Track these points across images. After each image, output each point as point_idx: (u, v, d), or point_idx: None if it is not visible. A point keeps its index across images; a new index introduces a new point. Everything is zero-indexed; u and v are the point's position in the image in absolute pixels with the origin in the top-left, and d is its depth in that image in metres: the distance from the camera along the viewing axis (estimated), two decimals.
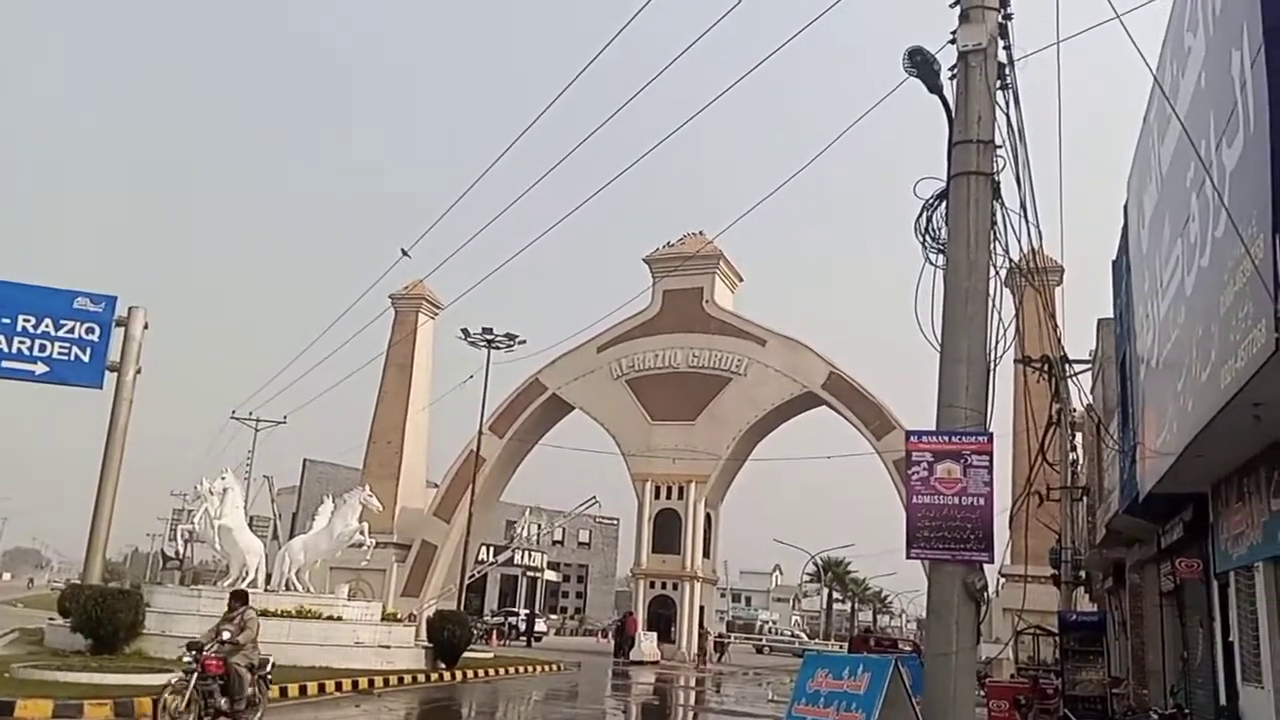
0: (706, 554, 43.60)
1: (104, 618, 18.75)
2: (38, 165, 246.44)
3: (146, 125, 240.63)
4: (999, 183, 8.15)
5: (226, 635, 11.59)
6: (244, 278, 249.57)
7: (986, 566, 7.60)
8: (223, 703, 11.30)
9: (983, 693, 17.53)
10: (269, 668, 12.36)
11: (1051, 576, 21.63)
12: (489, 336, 37.25)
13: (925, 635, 7.83)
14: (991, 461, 7.28)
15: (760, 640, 66.14)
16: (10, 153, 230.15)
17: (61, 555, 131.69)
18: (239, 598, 12.68)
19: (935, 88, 7.92)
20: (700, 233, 42.98)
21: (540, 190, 15.15)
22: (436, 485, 47.13)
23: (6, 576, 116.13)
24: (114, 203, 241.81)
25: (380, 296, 45.90)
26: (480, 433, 39.94)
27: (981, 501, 7.15)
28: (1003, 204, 8.24)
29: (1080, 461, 23.23)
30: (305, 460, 70.00)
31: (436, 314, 48.01)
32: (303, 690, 17.26)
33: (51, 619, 23.90)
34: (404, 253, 21.14)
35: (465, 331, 37.66)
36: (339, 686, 18.53)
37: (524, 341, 38.20)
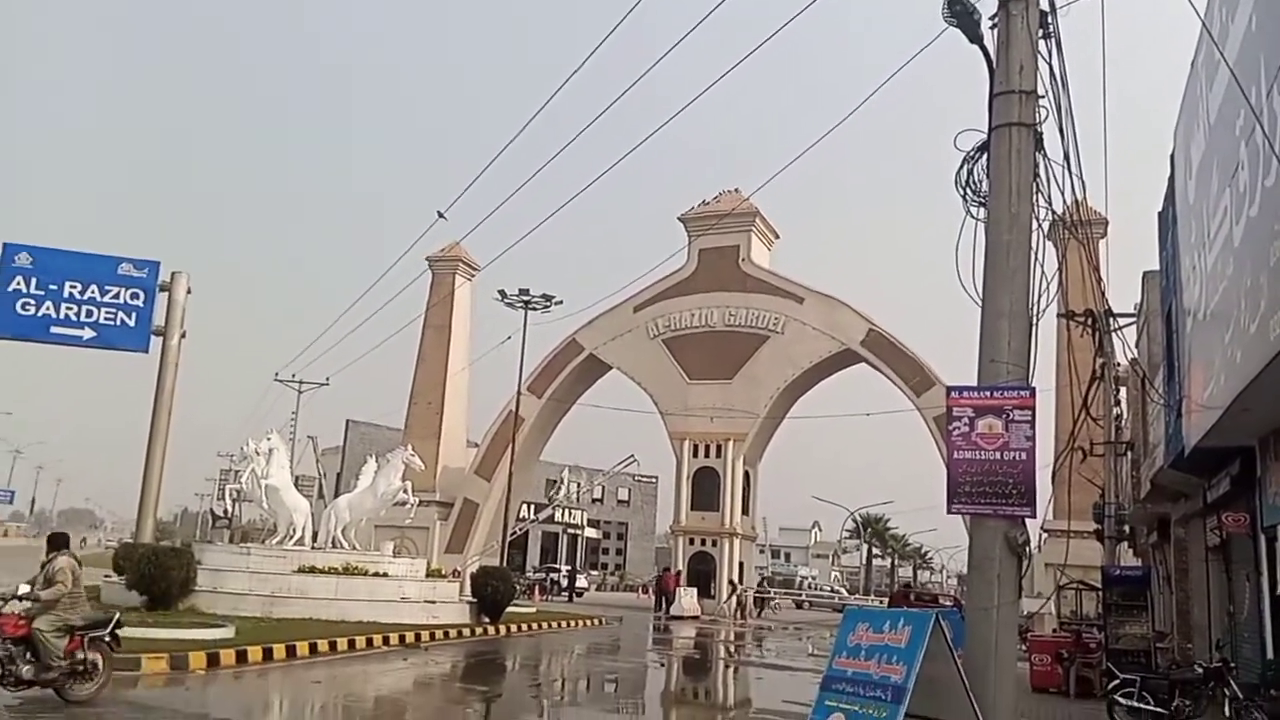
0: (745, 511, 43.81)
1: (157, 575, 19.25)
2: (65, 132, 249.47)
3: (185, 91, 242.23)
4: (1042, 134, 7.98)
5: (24, 590, 10.07)
6: (287, 244, 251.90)
7: (1028, 521, 7.57)
8: (25, 671, 9.73)
9: (1024, 647, 17.56)
10: (110, 627, 10.63)
11: (1095, 532, 21.49)
12: (526, 297, 37.41)
13: (966, 590, 7.83)
14: (1034, 416, 7.21)
15: (800, 595, 66.43)
16: (40, 122, 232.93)
17: (114, 515, 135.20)
18: (54, 543, 10.95)
19: (975, 37, 7.76)
20: (736, 190, 42.65)
21: (575, 150, 15.10)
22: (477, 445, 47.64)
23: (85, 538, 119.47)
24: (156, 170, 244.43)
25: (417, 260, 46.21)
26: (519, 393, 40.26)
27: (1024, 456, 7.10)
28: (1045, 155, 8.08)
29: (1124, 416, 22.96)
30: (348, 421, 71.10)
31: (473, 276, 48.24)
32: (351, 644, 17.67)
33: (107, 576, 24.55)
34: (440, 215, 21.22)
35: (502, 293, 37.87)
36: (386, 640, 18.94)
37: (560, 302, 38.37)
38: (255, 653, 14.97)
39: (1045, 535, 31.90)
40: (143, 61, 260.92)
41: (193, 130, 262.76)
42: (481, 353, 48.30)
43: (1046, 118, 7.95)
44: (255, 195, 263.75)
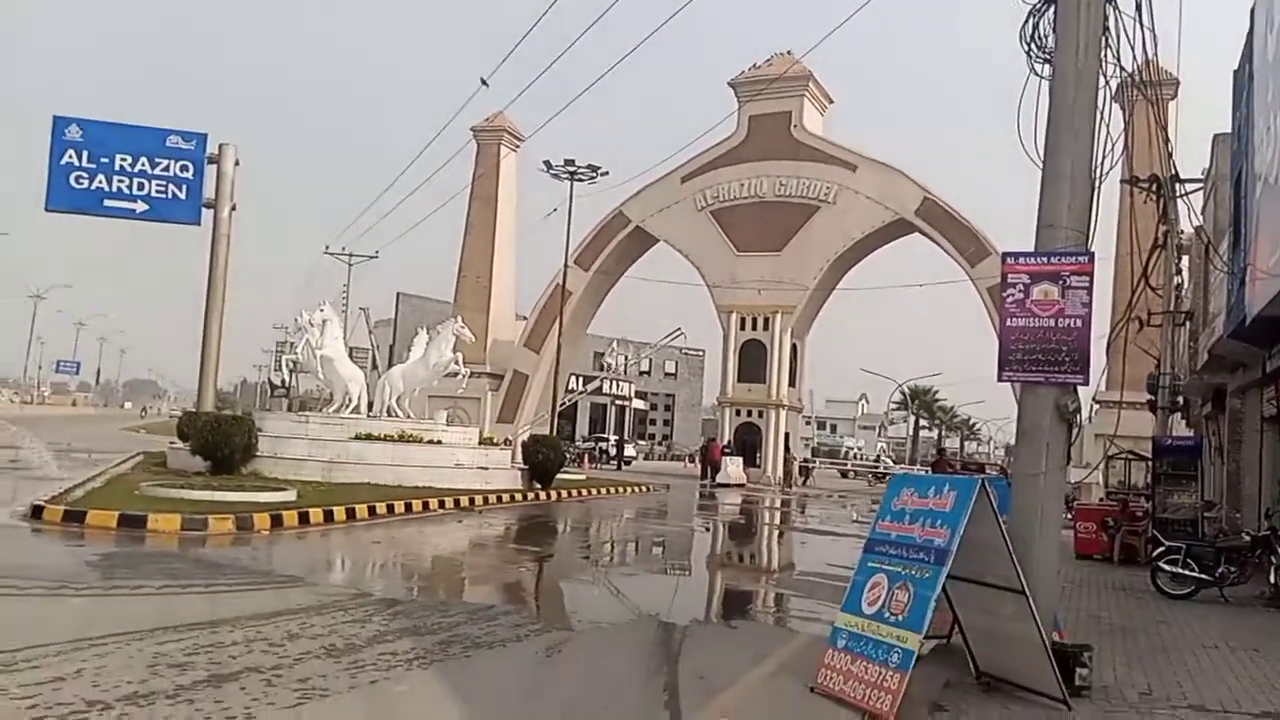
0: (792, 383, 43.91)
1: (220, 441, 19.94)
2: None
3: None
4: None
5: None
6: (333, 117, 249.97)
7: (1080, 392, 7.48)
8: None
9: (1070, 515, 17.67)
10: None
11: (1148, 402, 21.25)
12: (571, 168, 36.95)
13: (1015, 456, 7.83)
14: (1091, 283, 7.04)
15: (845, 465, 67.20)
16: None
17: (177, 385, 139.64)
18: None
19: None
20: (788, 53, 41.11)
21: (619, 13, 14.61)
22: (525, 318, 48.00)
23: (128, 405, 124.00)
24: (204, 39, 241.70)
25: (462, 130, 45.62)
26: (565, 266, 40.23)
27: (1079, 323, 6.97)
28: (1116, 8, 7.64)
29: (1184, 286, 22.38)
30: (399, 294, 71.84)
31: (518, 146, 47.61)
32: (408, 507, 18.30)
33: (172, 443, 25.49)
34: (483, 82, 20.93)
35: (548, 163, 37.43)
36: (442, 504, 19.58)
37: (606, 173, 37.86)
38: (316, 514, 15.58)
39: (1096, 407, 31.64)
40: None
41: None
42: (529, 225, 48.23)
43: None
44: (300, 70, 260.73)
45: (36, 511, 13.51)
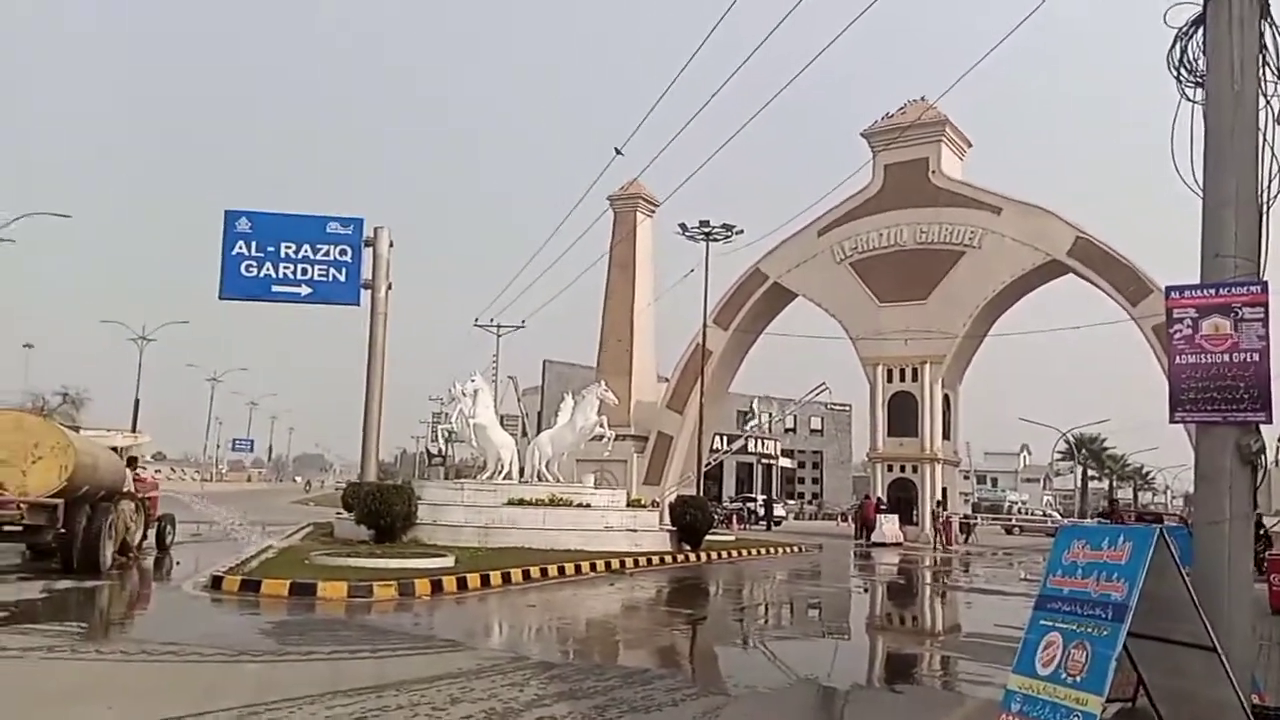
0: (946, 435, 42.48)
1: (382, 510, 20.72)
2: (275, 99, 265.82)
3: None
4: (1268, 0, 7.15)
5: None
6: (473, 195, 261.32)
7: (1265, 429, 6.96)
8: None
9: (1264, 567, 16.30)
10: None
11: None
12: (706, 229, 37.28)
13: (1195, 503, 7.31)
14: (1267, 313, 6.57)
15: (1010, 520, 64.18)
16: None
17: (342, 459, 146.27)
18: None
19: None
20: (922, 99, 40.57)
21: (751, 71, 14.78)
22: (667, 379, 48.32)
23: (298, 480, 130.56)
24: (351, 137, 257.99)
25: (598, 200, 46.81)
26: (705, 326, 40.40)
27: (1256, 357, 6.50)
28: (1272, 23, 7.23)
29: None
30: (545, 361, 73.65)
31: (653, 211, 48.46)
32: (561, 570, 18.50)
33: (338, 514, 26.68)
34: (617, 151, 21.40)
35: (683, 226, 37.91)
36: (593, 567, 19.71)
37: (741, 231, 38.01)
38: (474, 579, 15.93)
39: None
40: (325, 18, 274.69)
41: (370, 87, 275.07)
42: (666, 288, 48.81)
43: None
44: (440, 151, 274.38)
45: (216, 582, 14.32)
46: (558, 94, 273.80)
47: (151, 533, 19.66)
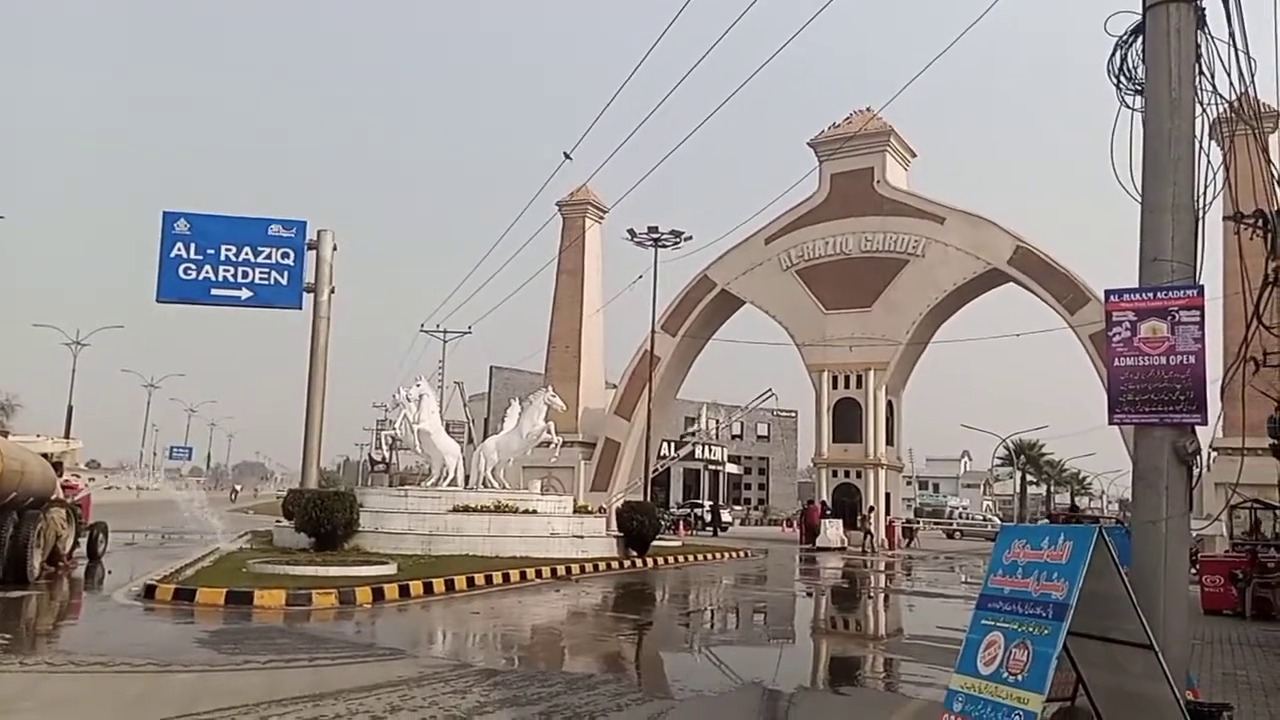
0: (890, 441, 42.97)
1: (323, 518, 20.36)
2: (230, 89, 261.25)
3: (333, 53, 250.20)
4: (1204, 10, 7.29)
5: None
6: (420, 198, 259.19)
7: (1200, 432, 7.08)
8: None
9: (1195, 568, 16.69)
10: None
11: (1270, 447, 20.07)
12: (655, 235, 37.40)
13: (1132, 504, 7.42)
14: (1202, 317, 6.69)
15: (951, 525, 65.10)
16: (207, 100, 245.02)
17: (283, 467, 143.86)
18: None
19: None
20: (867, 109, 41.15)
21: (696, 80, 14.80)
22: (615, 385, 48.26)
23: (238, 488, 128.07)
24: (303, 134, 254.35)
25: (546, 205, 46.68)
26: (653, 332, 40.46)
27: (1192, 360, 6.61)
28: (1209, 35, 7.39)
29: None
30: (491, 367, 73.27)
31: (602, 217, 48.42)
32: (505, 578, 18.31)
33: (278, 521, 26.12)
34: (566, 156, 21.28)
35: (631, 232, 37.99)
36: (539, 574, 19.55)
37: (690, 238, 38.21)
38: (417, 587, 15.69)
39: (1214, 454, 30.10)
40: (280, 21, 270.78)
41: (330, 90, 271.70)
42: (615, 294, 48.83)
43: None
44: (389, 154, 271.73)
45: (149, 591, 13.93)
46: (508, 98, 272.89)
47: (83, 541, 19.06)
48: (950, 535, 59.64)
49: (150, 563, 18.38)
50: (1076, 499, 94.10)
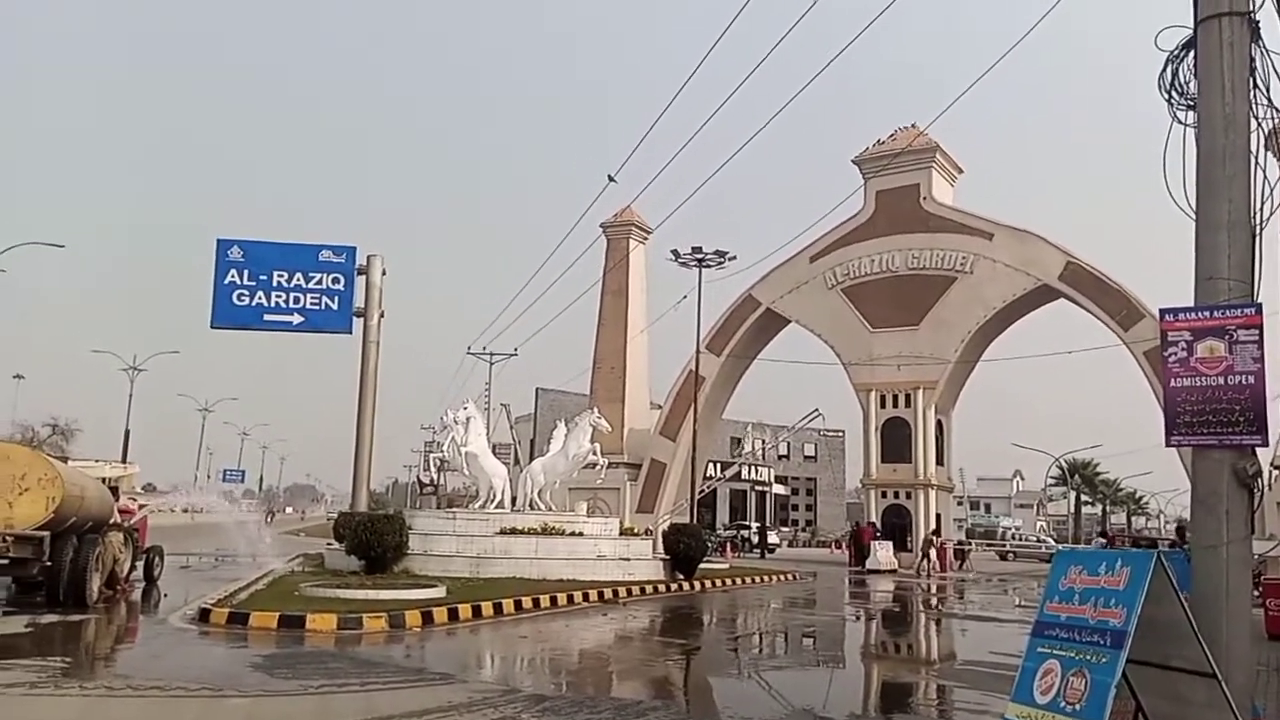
0: (940, 461, 42.39)
1: (373, 541, 20.51)
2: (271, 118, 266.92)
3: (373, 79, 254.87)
4: (1258, 23, 7.16)
5: None
6: (469, 222, 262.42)
7: (1261, 453, 6.90)
8: None
9: (1258, 592, 16.21)
10: None
11: None
12: (699, 255, 37.40)
13: (1192, 528, 7.25)
14: (1262, 335, 6.53)
15: (1004, 546, 63.98)
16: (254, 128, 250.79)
17: (333, 489, 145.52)
18: None
19: None
20: (913, 125, 40.85)
21: (742, 99, 14.83)
22: (660, 406, 48.21)
23: (289, 510, 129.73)
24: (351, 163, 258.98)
25: (592, 226, 46.96)
26: (698, 352, 40.39)
27: (1251, 380, 6.45)
28: (1263, 47, 7.25)
29: None
30: (537, 389, 73.61)
31: (646, 238, 48.57)
32: (553, 601, 18.31)
33: (329, 544, 26.43)
34: (610, 179, 21.44)
35: (675, 253, 38.03)
36: (585, 597, 19.51)
37: (734, 258, 38.17)
38: (465, 610, 15.74)
39: (1277, 473, 29.34)
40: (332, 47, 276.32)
41: (366, 114, 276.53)
42: (659, 314, 48.89)
43: (1263, 4, 7.13)
44: (438, 179, 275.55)
45: (204, 615, 14.14)
46: (553, 121, 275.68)
47: (140, 564, 19.43)
48: (1003, 557, 58.58)
49: (204, 586, 18.68)
50: (1133, 518, 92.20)
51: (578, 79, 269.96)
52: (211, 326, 24.73)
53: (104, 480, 19.08)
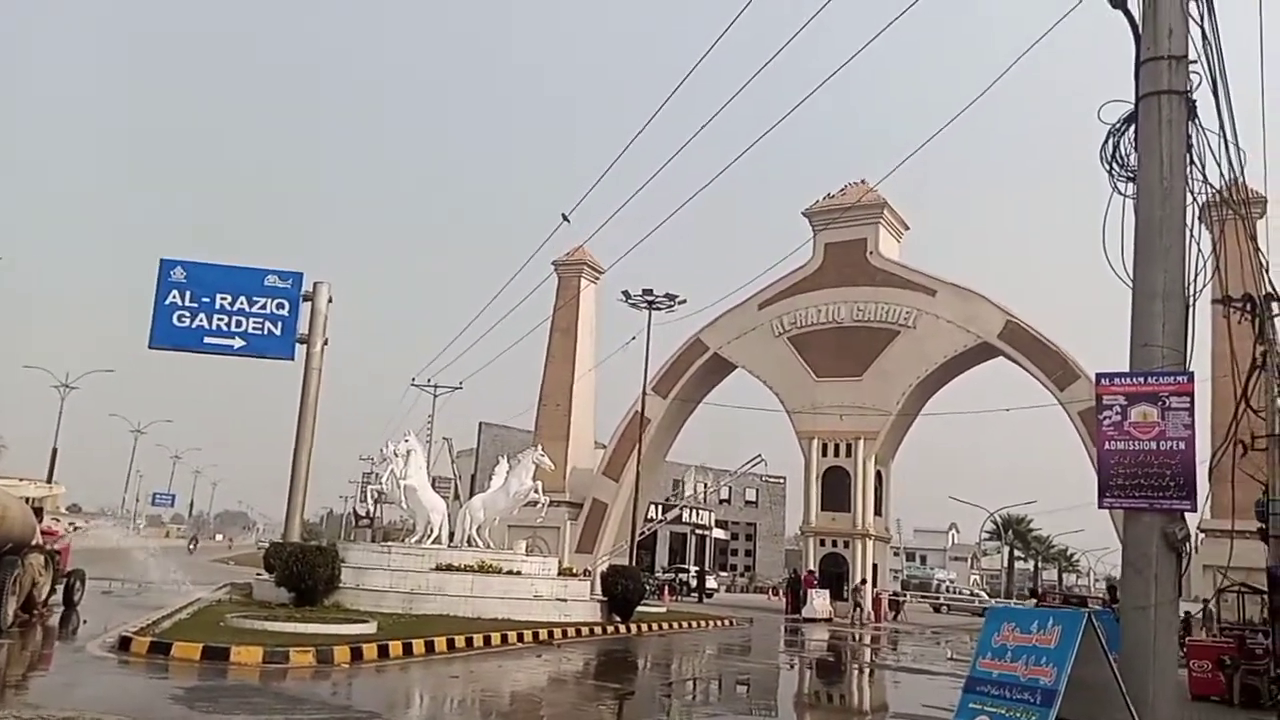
0: (878, 511, 42.73)
1: (304, 573, 20.07)
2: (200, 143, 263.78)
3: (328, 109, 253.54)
4: (1195, 102, 7.48)
5: None
6: (419, 253, 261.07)
7: (1186, 519, 7.09)
8: None
9: (1183, 653, 16.54)
10: None
11: (1258, 531, 20.02)
12: (650, 297, 37.57)
13: (1121, 589, 7.40)
14: (1192, 403, 6.75)
15: (938, 599, 64.53)
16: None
17: (266, 517, 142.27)
18: None
19: (1119, 1, 7.32)
20: (862, 181, 41.70)
21: (696, 146, 15.03)
22: (604, 446, 48.06)
23: (219, 538, 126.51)
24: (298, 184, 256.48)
25: (543, 264, 46.95)
26: (644, 394, 40.42)
27: (1182, 446, 6.65)
28: (1200, 126, 7.57)
29: None
30: (481, 423, 72.89)
31: (598, 278, 48.69)
32: (486, 640, 18.02)
33: (258, 574, 25.76)
34: (564, 218, 21.47)
35: (626, 294, 38.14)
36: (520, 637, 19.25)
37: (684, 301, 38.38)
38: (396, 648, 15.43)
39: (1203, 536, 30.05)
40: (270, 78, 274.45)
41: (318, 143, 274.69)
42: (607, 354, 48.83)
43: (1199, 85, 7.45)
44: (387, 209, 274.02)
45: (124, 643, 13.66)
46: (508, 159, 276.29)
47: (60, 588, 18.76)
48: (937, 609, 59.04)
49: (126, 613, 18.05)
50: (1064, 575, 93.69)
51: (537, 115, 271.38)
52: (150, 347, 24.15)
53: (28, 500, 18.43)
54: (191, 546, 67.94)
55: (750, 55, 13.88)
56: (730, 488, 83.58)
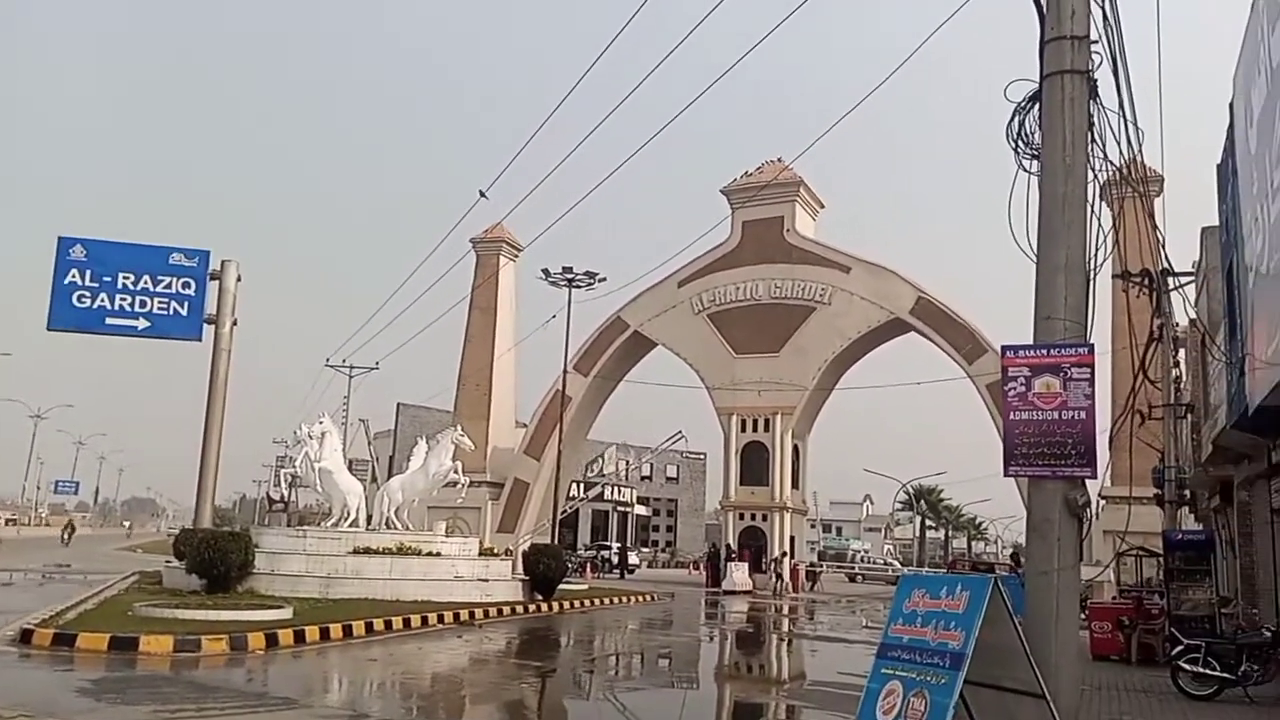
0: (795, 485, 43.51)
1: (216, 559, 19.55)
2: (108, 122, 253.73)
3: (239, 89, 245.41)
4: (1096, 82, 7.70)
5: None
6: (333, 232, 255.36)
7: (1088, 487, 7.36)
8: None
9: (1085, 615, 17.23)
10: None
11: (1154, 497, 20.98)
12: (569, 275, 37.38)
13: (1026, 555, 7.65)
14: (1093, 374, 6.99)
15: (853, 569, 66.05)
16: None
17: (175, 503, 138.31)
18: None
19: None
20: (779, 160, 42.06)
21: (616, 123, 14.95)
22: (525, 425, 47.86)
23: (126, 525, 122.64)
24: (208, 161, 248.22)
25: (461, 242, 46.36)
26: (565, 372, 40.32)
27: (1083, 415, 6.89)
28: (1100, 105, 7.79)
29: (1183, 378, 22.37)
30: (399, 404, 71.93)
31: (516, 256, 48.29)
32: (406, 623, 17.85)
33: (168, 562, 25.07)
34: (482, 194, 21.22)
35: (546, 271, 37.89)
36: (440, 619, 19.11)
37: (604, 279, 38.28)
38: (313, 632, 15.19)
39: (1103, 502, 31.30)
40: (190, 60, 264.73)
41: (237, 120, 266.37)
42: (527, 333, 48.56)
43: (1100, 65, 7.67)
44: (301, 186, 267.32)
45: (26, 636, 13.17)
46: (425, 135, 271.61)
47: None
48: (852, 579, 60.43)
49: (29, 603, 17.40)
50: (973, 543, 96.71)
51: (454, 92, 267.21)
52: (48, 328, 23.09)
53: None
54: (66, 535, 57.52)
55: (673, 29, 13.85)
56: (652, 464, 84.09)
